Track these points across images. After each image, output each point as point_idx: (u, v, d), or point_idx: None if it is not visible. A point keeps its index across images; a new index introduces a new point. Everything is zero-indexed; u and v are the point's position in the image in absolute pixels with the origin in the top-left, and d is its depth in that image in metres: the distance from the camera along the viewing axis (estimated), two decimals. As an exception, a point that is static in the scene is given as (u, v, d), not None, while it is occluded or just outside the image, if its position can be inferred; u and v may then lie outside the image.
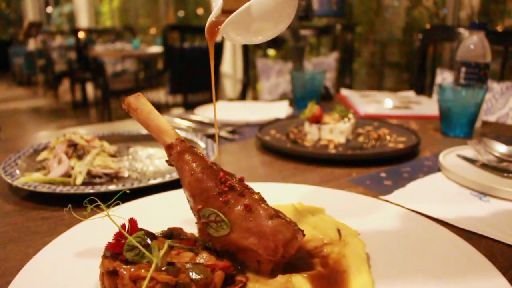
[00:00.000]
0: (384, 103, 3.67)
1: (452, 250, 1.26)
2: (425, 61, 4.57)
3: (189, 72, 8.68)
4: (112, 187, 1.76)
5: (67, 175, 1.99)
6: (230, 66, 10.62)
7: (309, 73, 3.49)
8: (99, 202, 1.12)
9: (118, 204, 1.16)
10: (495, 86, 3.91)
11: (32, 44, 18.73)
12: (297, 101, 3.51)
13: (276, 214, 1.13)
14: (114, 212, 1.13)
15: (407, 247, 1.29)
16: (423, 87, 4.55)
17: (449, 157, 2.19)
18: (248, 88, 7.39)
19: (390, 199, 1.73)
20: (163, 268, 1.03)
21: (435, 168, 2.14)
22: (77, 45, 13.38)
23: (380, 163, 2.19)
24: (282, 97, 4.13)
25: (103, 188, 1.75)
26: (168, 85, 9.81)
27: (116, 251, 1.11)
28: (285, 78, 6.34)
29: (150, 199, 1.63)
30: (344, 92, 4.18)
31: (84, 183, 1.94)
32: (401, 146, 2.33)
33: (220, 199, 1.15)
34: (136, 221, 1.15)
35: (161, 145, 1.27)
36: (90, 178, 2.00)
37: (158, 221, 1.37)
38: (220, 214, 1.14)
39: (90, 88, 15.16)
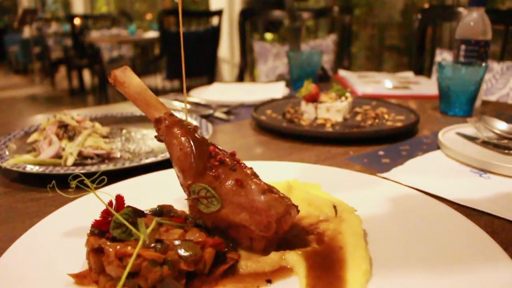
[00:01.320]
0: (383, 84, 3.62)
1: (452, 227, 1.21)
2: (424, 42, 4.50)
3: (186, 57, 8.60)
4: (102, 167, 1.72)
5: (58, 156, 1.94)
6: (227, 50, 10.52)
7: (306, 53, 3.43)
8: (84, 177, 1.07)
9: (103, 180, 1.10)
10: (495, 66, 3.85)
11: (27, 32, 18.56)
12: (294, 82, 3.46)
13: (269, 189, 1.08)
14: (103, 191, 1.09)
15: (406, 224, 1.25)
16: (422, 68, 4.49)
17: (449, 135, 2.14)
18: (246, 72, 7.32)
19: (388, 176, 1.68)
20: (151, 245, 0.99)
21: (434, 146, 2.09)
22: (72, 32, 13.26)
23: (378, 142, 2.15)
24: (279, 78, 4.07)
25: (93, 168, 1.71)
26: (165, 70, 9.75)
27: (102, 228, 1.07)
28: (282, 61, 6.27)
29: (141, 178, 1.58)
30: (342, 73, 4.12)
31: (75, 164, 1.89)
32: (399, 124, 2.28)
33: (210, 173, 1.10)
34: (123, 198, 1.10)
35: (150, 120, 1.23)
36: (82, 159, 1.96)
37: (149, 199, 1.33)
38: (211, 189, 1.09)
39: (87, 75, 15.07)
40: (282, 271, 1.05)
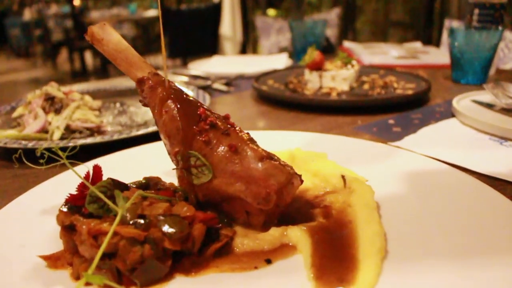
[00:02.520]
0: (390, 54, 3.45)
1: (475, 197, 1.07)
2: (432, 10, 4.31)
3: (187, 35, 8.45)
4: (89, 140, 1.58)
5: (44, 130, 1.81)
6: (230, 27, 10.30)
7: (309, 22, 3.26)
8: (57, 149, 0.93)
9: (74, 150, 0.96)
10: (507, 35, 3.67)
11: (27, 14, 18.34)
12: (297, 53, 3.30)
13: (267, 156, 0.94)
14: (87, 164, 0.96)
15: (423, 194, 1.11)
16: (430, 38, 4.31)
17: (464, 102, 1.99)
18: (248, 48, 7.15)
19: (400, 145, 1.54)
20: (131, 222, 0.85)
21: (448, 114, 1.94)
22: (72, 13, 13.05)
23: (387, 110, 2.00)
24: (282, 50, 3.90)
25: (80, 141, 1.57)
26: (168, 48, 9.58)
27: (78, 203, 0.93)
28: (285, 36, 6.10)
29: (131, 151, 1.45)
30: (347, 44, 3.95)
31: (63, 138, 1.76)
32: (410, 92, 2.12)
33: (200, 139, 0.96)
34: (100, 168, 0.96)
35: (132, 80, 1.08)
36: (70, 133, 1.82)
37: (138, 172, 1.19)
38: (201, 157, 0.95)
39: (88, 57, 14.87)
40: (284, 249, 0.92)
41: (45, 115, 1.85)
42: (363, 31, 10.17)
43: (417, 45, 3.94)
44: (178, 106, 0.99)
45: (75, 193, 0.96)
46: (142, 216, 0.88)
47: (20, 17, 19.49)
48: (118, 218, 0.83)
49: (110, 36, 1.07)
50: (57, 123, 1.80)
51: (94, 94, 2.33)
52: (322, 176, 1.16)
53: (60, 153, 0.91)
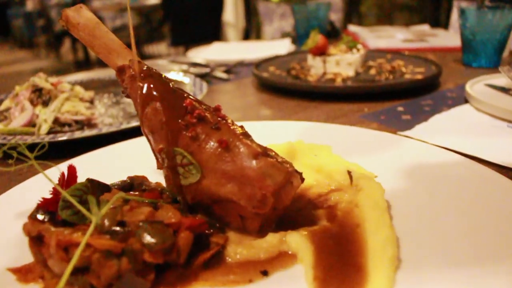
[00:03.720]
0: (396, 37, 3.31)
1: (496, 192, 0.96)
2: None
3: (189, 22, 8.33)
4: (78, 134, 1.47)
5: (31, 124, 1.70)
6: (232, 14, 10.14)
7: (312, 5, 3.13)
8: (24, 147, 0.82)
9: (43, 149, 0.84)
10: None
11: (30, 4, 18.20)
12: (300, 38, 3.17)
13: (263, 152, 0.83)
14: (75, 161, 0.85)
15: (438, 191, 0.99)
16: (438, 21, 4.16)
17: (477, 87, 1.86)
18: (251, 35, 7.01)
19: (411, 134, 1.42)
20: (108, 231, 0.74)
21: (461, 100, 1.82)
22: (74, 2, 12.92)
23: (396, 96, 1.88)
24: (285, 36, 3.77)
25: (65, 136, 1.46)
26: (169, 37, 9.46)
27: (51, 209, 0.83)
28: (288, 21, 5.96)
29: (119, 145, 1.34)
30: (352, 28, 3.81)
31: (51, 132, 1.66)
32: (419, 77, 2.00)
33: (187, 134, 0.85)
34: (75, 169, 0.85)
35: (112, 69, 0.97)
36: (59, 126, 1.71)
37: (125, 169, 1.08)
38: (187, 154, 0.84)
39: (91, 48, 14.74)
40: (282, 258, 0.81)
41: (33, 107, 1.74)
42: (368, 15, 9.98)
43: (425, 27, 3.80)
44: (162, 97, 0.87)
45: (49, 196, 0.85)
46: (121, 223, 0.77)
47: (22, 8, 19.38)
48: (91, 228, 0.72)
49: (87, 21, 0.96)
50: (45, 116, 1.69)
51: (87, 85, 2.21)
52: (326, 172, 1.05)
53: (27, 152, 0.80)
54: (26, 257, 0.83)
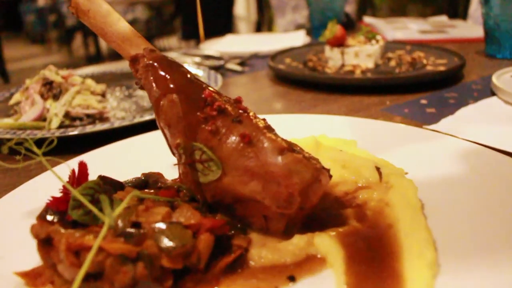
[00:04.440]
0: (414, 28, 3.22)
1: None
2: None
3: (201, 15, 8.27)
4: (89, 129, 1.42)
5: (42, 118, 1.65)
6: (244, 7, 10.06)
7: (328, -4, 3.05)
8: (31, 142, 0.77)
9: (51, 145, 0.78)
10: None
11: (41, 0, 18.25)
12: (315, 29, 3.09)
13: (289, 147, 0.77)
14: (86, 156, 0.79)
15: (473, 189, 0.92)
16: (456, 11, 4.05)
17: (504, 78, 1.78)
18: (263, 28, 6.94)
19: (438, 128, 1.34)
20: (121, 233, 0.69)
21: (487, 92, 1.74)
22: (85, -4, 12.87)
23: (418, 89, 1.80)
24: (298, 28, 3.70)
25: (76, 131, 1.41)
26: (181, 30, 9.41)
27: (61, 208, 0.77)
28: (301, 13, 5.86)
29: (132, 140, 1.29)
30: (368, 19, 3.72)
31: (62, 127, 1.60)
32: (442, 68, 1.92)
33: (206, 127, 0.78)
34: (86, 165, 0.80)
35: (125, 60, 0.91)
36: (70, 120, 1.66)
37: (139, 165, 1.03)
38: (207, 149, 0.78)
39: (103, 41, 14.75)
40: (310, 263, 0.75)
41: (43, 101, 1.69)
42: (382, 7, 9.84)
43: (443, 18, 3.70)
44: (179, 88, 0.81)
45: (59, 195, 0.80)
46: (136, 225, 0.71)
47: (34, 3, 19.45)
48: (104, 230, 0.66)
49: (99, 7, 0.90)
50: (55, 110, 1.64)
51: (99, 78, 2.16)
52: (353, 167, 0.99)
53: (35, 148, 0.75)
54: (36, 259, 0.78)
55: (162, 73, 0.83)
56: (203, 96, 0.81)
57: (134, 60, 0.88)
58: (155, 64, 0.85)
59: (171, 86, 0.82)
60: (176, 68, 0.85)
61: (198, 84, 0.84)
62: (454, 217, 0.84)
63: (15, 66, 12.81)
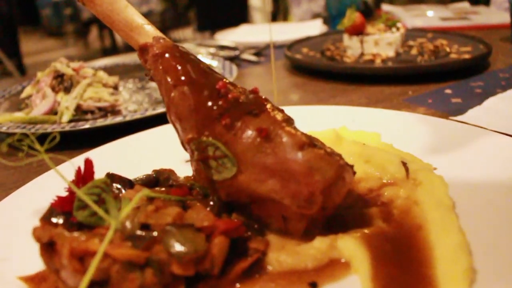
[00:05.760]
0: (435, 15, 3.12)
1: None
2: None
3: (216, 7, 8.21)
4: (99, 122, 1.37)
5: (53, 112, 1.61)
6: (259, -3, 9.96)
7: (345, -17, 2.96)
8: (33, 138, 0.72)
9: (54, 141, 0.73)
10: None
11: (58, -7, 18.34)
12: (332, 18, 3.01)
13: (309, 142, 0.71)
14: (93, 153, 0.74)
15: (510, 186, 0.85)
16: (478, -1, 3.92)
17: (533, 66, 1.69)
18: (278, 18, 6.85)
19: (465, 119, 1.27)
20: (129, 237, 0.63)
21: (515, 80, 1.66)
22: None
23: (441, 78, 1.72)
24: (315, 17, 3.62)
25: (87, 125, 1.36)
26: (196, 21, 9.38)
27: (66, 209, 0.72)
28: (317, 2, 5.76)
29: (143, 134, 1.24)
30: (386, 7, 3.62)
31: (73, 120, 1.56)
32: (467, 56, 1.84)
33: (220, 121, 0.73)
34: (91, 162, 0.75)
35: (134, 48, 0.86)
36: (81, 114, 1.62)
37: (150, 161, 0.98)
38: (221, 145, 0.72)
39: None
40: (333, 267, 0.69)
41: (54, 94, 1.65)
42: (399, -4, 9.67)
43: (465, 4, 3.59)
44: (191, 79, 0.75)
45: (65, 194, 0.75)
46: (145, 227, 0.66)
47: (51, -4, 19.54)
48: (109, 234, 0.61)
49: (106, -6, 0.85)
50: (66, 103, 1.60)
51: (111, 70, 2.11)
52: (377, 162, 0.93)
53: (37, 145, 0.70)
54: (41, 262, 0.73)
55: (173, 63, 0.78)
56: (216, 87, 0.75)
57: (143, 50, 0.82)
58: (165, 54, 0.79)
59: (182, 77, 0.76)
60: (187, 58, 0.79)
61: (211, 75, 0.78)
62: (489, 217, 0.77)
63: (32, 59, 12.90)
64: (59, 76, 1.72)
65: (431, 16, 3.12)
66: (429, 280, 0.63)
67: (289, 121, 0.75)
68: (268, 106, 0.76)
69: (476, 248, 0.70)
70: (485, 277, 0.64)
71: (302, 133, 0.73)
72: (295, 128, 0.74)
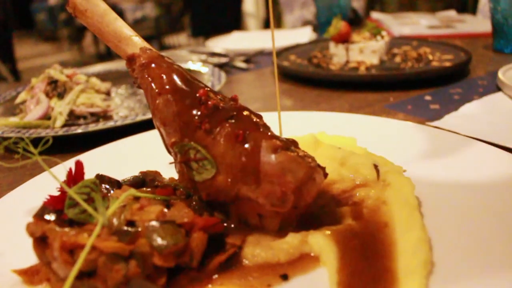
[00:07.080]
0: (422, 23, 3.20)
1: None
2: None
3: (210, 13, 8.27)
4: (91, 127, 1.43)
5: (47, 117, 1.67)
6: (252, 4, 10.05)
7: (334, -9, 3.03)
8: (27, 141, 0.77)
9: (47, 144, 0.79)
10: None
11: (52, -2, 18.36)
12: (322, 26, 3.08)
13: (283, 146, 0.77)
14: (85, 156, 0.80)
15: (473, 187, 0.92)
16: (465, 5, 4.01)
17: (510, 74, 1.75)
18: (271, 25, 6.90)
19: (440, 125, 1.33)
20: (115, 232, 0.69)
21: (493, 87, 1.72)
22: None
23: (423, 85, 1.79)
24: (305, 24, 3.68)
25: (79, 130, 1.42)
26: (189, 27, 9.43)
27: (58, 207, 0.78)
28: (309, 9, 5.84)
29: (133, 138, 1.29)
30: (375, 15, 3.70)
31: (67, 125, 1.61)
32: (447, 64, 1.91)
33: (201, 126, 0.79)
34: (82, 164, 0.80)
35: (122, 58, 0.91)
36: (74, 119, 1.68)
37: (138, 163, 1.03)
38: (201, 148, 0.78)
39: (112, 39, 14.78)
40: (304, 261, 0.75)
41: (48, 100, 1.70)
42: (391, 3, 9.77)
43: (451, 13, 3.67)
44: (174, 87, 0.81)
45: (57, 193, 0.80)
46: (130, 223, 0.72)
47: (45, 2, 19.55)
48: (97, 228, 0.67)
49: (96, 7, 0.91)
50: (60, 108, 1.65)
51: (104, 76, 2.17)
52: (351, 165, 0.98)
53: (31, 148, 0.75)
54: (34, 257, 0.79)
55: (158, 72, 0.84)
56: (197, 95, 0.81)
57: (130, 60, 0.88)
58: (151, 63, 0.85)
59: (167, 86, 0.82)
60: (172, 68, 0.85)
61: (194, 84, 0.84)
62: (452, 215, 0.84)
63: (26, 64, 12.91)
64: (53, 82, 1.77)
65: (418, 24, 3.20)
66: (390, 272, 0.69)
67: (265, 126, 0.81)
68: (245, 112, 0.82)
69: (436, 243, 0.76)
70: (442, 269, 0.70)
71: (277, 137, 0.79)
72: (270, 133, 0.80)
